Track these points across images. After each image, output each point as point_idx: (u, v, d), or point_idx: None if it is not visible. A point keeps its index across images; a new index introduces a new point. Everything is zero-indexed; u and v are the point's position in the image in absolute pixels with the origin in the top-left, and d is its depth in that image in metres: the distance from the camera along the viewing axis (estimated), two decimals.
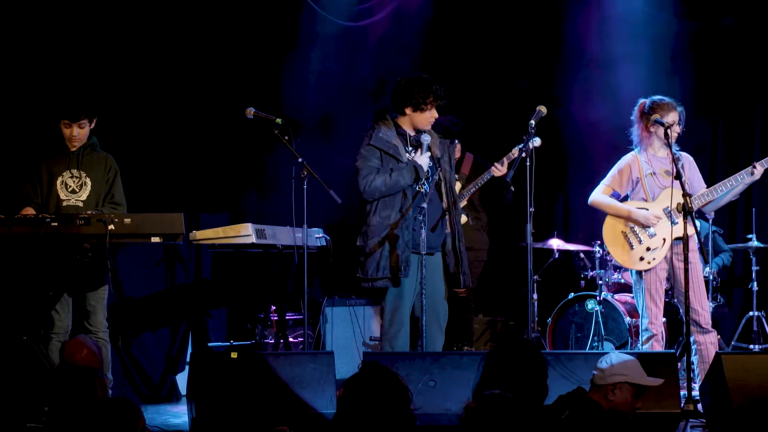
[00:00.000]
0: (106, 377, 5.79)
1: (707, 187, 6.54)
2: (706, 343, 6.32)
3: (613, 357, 4.51)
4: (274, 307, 7.47)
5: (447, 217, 6.27)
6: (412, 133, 6.27)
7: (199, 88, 7.76)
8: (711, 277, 7.92)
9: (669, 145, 6.28)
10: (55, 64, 7.05)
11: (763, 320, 8.12)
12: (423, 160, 6.15)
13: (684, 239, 5.96)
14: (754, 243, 8.15)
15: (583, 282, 8.27)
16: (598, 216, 6.84)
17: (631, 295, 7.24)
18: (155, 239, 5.96)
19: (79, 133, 6.16)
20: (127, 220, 5.88)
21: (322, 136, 8.54)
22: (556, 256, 8.33)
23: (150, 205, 6.99)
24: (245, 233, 6.81)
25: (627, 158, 6.61)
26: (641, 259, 6.46)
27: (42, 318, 6.13)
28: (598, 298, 7.89)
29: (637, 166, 6.53)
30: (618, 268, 8.04)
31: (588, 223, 8.29)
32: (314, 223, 6.88)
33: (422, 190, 6.01)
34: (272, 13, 8.17)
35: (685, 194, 5.96)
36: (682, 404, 5.61)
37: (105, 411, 3.60)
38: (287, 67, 8.28)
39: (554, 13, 8.93)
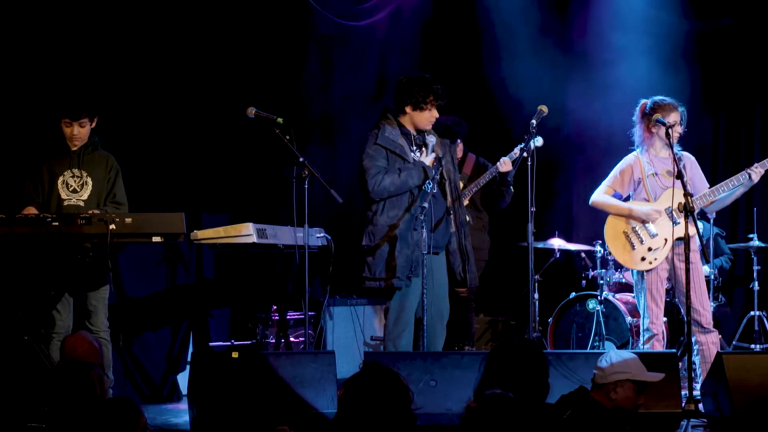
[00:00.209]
0: (106, 375, 5.78)
1: (710, 187, 6.53)
2: (708, 343, 6.31)
3: (613, 355, 4.51)
4: (275, 307, 7.47)
5: (452, 216, 6.27)
6: (415, 133, 6.28)
7: (201, 88, 7.76)
8: (712, 277, 7.92)
9: (670, 146, 6.27)
10: (56, 63, 7.05)
11: (765, 320, 8.11)
12: (428, 160, 6.16)
13: (685, 239, 5.96)
14: (756, 242, 8.15)
15: (584, 282, 8.26)
16: (599, 215, 6.84)
17: (632, 294, 7.24)
18: (156, 239, 5.96)
19: (79, 132, 6.16)
20: (128, 220, 5.88)
21: (323, 135, 8.55)
22: (558, 255, 8.33)
23: (151, 204, 6.99)
24: (246, 233, 6.81)
25: (629, 159, 6.60)
26: (643, 259, 6.45)
27: (43, 318, 6.13)
28: (599, 297, 7.88)
29: (639, 167, 6.52)
30: (619, 268, 8.04)
31: (589, 223, 8.29)
32: (315, 222, 6.88)
33: (426, 190, 6.01)
34: (273, 13, 8.17)
35: (687, 194, 5.96)
36: (684, 404, 5.61)
37: (106, 411, 3.59)
38: (288, 66, 8.28)
39: (555, 13, 8.93)
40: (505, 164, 7.06)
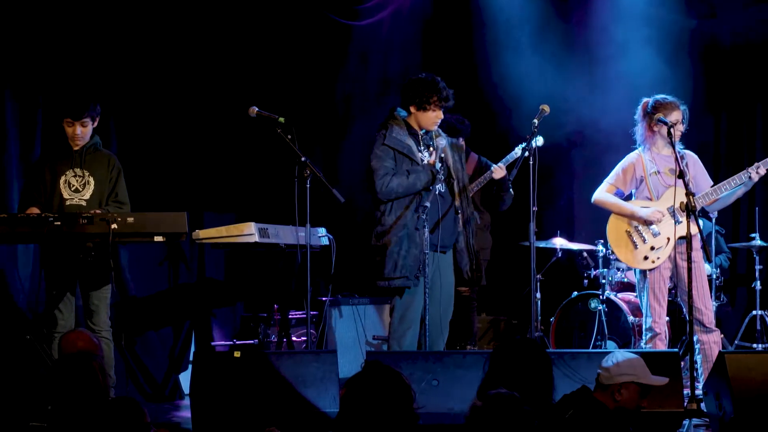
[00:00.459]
0: (109, 375, 5.78)
1: (713, 185, 6.53)
2: (710, 342, 6.31)
3: (619, 356, 4.49)
4: (277, 306, 7.47)
5: (459, 215, 6.27)
6: (421, 132, 6.27)
7: (203, 88, 7.77)
8: (714, 276, 7.92)
9: (672, 144, 6.27)
10: (58, 63, 7.05)
11: (767, 319, 8.11)
12: (431, 160, 6.16)
13: (687, 238, 5.96)
14: (758, 242, 8.14)
15: (586, 281, 8.27)
16: (601, 215, 6.83)
17: (635, 294, 7.23)
18: (158, 238, 5.96)
19: (81, 132, 6.15)
20: (131, 219, 5.88)
21: (324, 135, 8.54)
22: (559, 255, 8.33)
23: (153, 204, 6.99)
24: (248, 232, 6.80)
25: (631, 157, 6.60)
26: (645, 258, 6.45)
27: (45, 317, 6.13)
28: (601, 297, 7.88)
29: (641, 165, 6.52)
30: (621, 267, 8.03)
31: (591, 222, 8.28)
32: (317, 222, 6.88)
33: (433, 190, 6.02)
34: (273, 13, 8.17)
35: (688, 193, 5.96)
36: (686, 403, 5.61)
37: (109, 410, 3.60)
38: (289, 66, 8.28)
39: (557, 12, 8.93)
40: (497, 171, 7.06)
